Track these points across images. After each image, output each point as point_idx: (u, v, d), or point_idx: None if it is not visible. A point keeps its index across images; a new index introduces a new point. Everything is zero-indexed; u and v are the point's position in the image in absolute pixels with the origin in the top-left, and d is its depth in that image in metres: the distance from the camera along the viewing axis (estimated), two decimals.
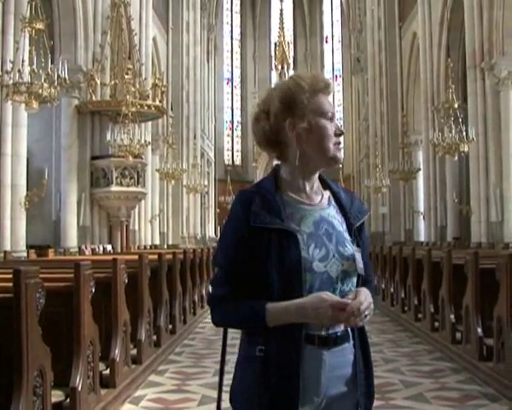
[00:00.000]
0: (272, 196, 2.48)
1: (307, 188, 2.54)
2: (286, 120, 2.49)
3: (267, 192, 2.49)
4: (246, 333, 2.50)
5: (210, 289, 2.54)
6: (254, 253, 2.42)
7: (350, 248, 2.47)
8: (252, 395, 2.40)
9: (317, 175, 2.57)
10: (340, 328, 2.44)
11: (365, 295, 2.35)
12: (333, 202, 2.58)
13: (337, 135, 2.50)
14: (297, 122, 2.48)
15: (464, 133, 19.70)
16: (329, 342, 2.42)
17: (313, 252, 2.41)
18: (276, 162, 2.66)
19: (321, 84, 2.53)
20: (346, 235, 2.50)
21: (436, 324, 10.48)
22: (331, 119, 2.51)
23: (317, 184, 2.57)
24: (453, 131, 19.90)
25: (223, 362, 2.67)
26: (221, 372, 2.67)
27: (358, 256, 2.46)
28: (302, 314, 2.32)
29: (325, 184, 2.62)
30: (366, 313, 2.32)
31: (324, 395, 2.42)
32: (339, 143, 2.51)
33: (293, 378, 2.35)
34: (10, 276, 4.76)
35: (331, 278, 2.41)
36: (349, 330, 2.47)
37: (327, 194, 2.59)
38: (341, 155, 2.53)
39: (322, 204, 2.54)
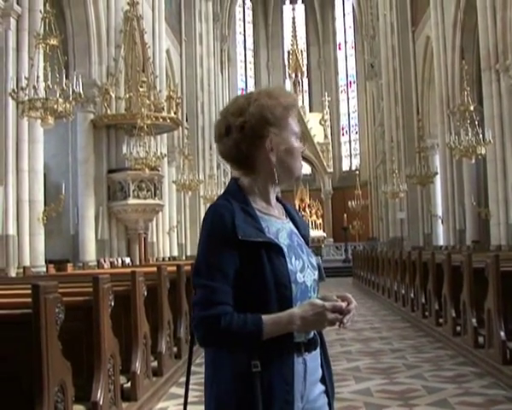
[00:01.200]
0: (251, 208, 2.46)
1: (272, 202, 2.56)
2: (263, 134, 2.45)
3: (245, 205, 2.45)
4: (228, 351, 2.39)
5: (195, 310, 2.37)
6: (244, 267, 2.36)
7: (314, 258, 2.55)
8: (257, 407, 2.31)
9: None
10: (312, 333, 2.48)
11: (351, 297, 2.41)
12: (287, 215, 2.62)
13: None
14: (274, 138, 2.46)
15: (481, 136, 19.63)
16: (310, 346, 2.47)
17: (295, 263, 2.44)
18: (234, 174, 2.67)
19: (290, 101, 2.51)
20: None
21: (458, 328, 10.39)
22: (300, 138, 2.54)
23: None
24: (469, 134, 19.82)
25: (187, 383, 2.78)
26: (186, 389, 2.75)
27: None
28: (295, 323, 2.31)
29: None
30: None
31: (306, 401, 2.44)
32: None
33: (290, 389, 2.36)
34: (29, 291, 4.75)
35: (307, 287, 2.45)
36: (316, 334, 2.51)
37: (281, 207, 2.63)
38: (301, 172, 2.60)
39: (283, 217, 2.59)
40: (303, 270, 2.44)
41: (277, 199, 2.62)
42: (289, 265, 2.40)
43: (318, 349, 2.52)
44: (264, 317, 2.31)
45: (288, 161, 2.49)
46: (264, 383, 2.31)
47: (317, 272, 2.51)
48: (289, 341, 2.37)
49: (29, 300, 4.72)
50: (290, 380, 2.35)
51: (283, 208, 2.62)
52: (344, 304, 2.34)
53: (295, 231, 2.55)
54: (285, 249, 2.42)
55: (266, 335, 2.30)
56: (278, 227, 2.48)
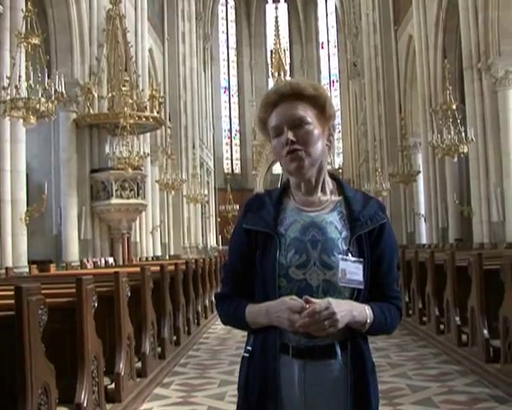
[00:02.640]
0: (271, 200, 2.49)
1: (307, 194, 2.49)
2: (268, 138, 2.53)
3: (269, 197, 2.51)
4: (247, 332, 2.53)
5: None
6: (246, 254, 2.46)
7: (337, 257, 2.35)
8: (242, 394, 2.45)
9: (312, 180, 2.47)
10: (324, 341, 2.34)
11: (328, 305, 2.22)
12: (340, 208, 2.47)
13: (285, 146, 2.41)
14: (272, 141, 2.50)
15: (463, 134, 19.72)
16: (305, 354, 2.37)
17: (291, 258, 2.36)
18: None
19: (272, 98, 2.47)
20: (341, 243, 2.39)
21: (441, 326, 10.44)
22: (279, 134, 2.44)
23: (321, 187, 2.49)
24: (452, 133, 19.91)
25: None
26: None
27: (347, 266, 2.33)
28: (269, 317, 2.33)
29: (340, 189, 2.54)
30: (326, 322, 2.21)
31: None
32: (288, 153, 2.41)
33: (270, 387, 2.36)
34: (12, 293, 4.71)
35: (310, 287, 2.35)
36: (336, 345, 2.37)
37: (336, 198, 2.50)
38: (294, 165, 2.41)
39: (323, 210, 2.46)
40: (303, 267, 2.35)
41: (342, 189, 2.52)
42: (281, 258, 2.36)
43: (337, 363, 2.37)
44: (249, 306, 2.41)
45: (278, 160, 2.48)
46: (250, 369, 2.42)
47: (331, 273, 2.34)
48: (272, 338, 2.37)
49: (12, 302, 4.68)
50: (270, 378, 2.36)
51: (344, 199, 2.49)
52: (308, 307, 2.22)
53: (322, 224, 2.41)
54: (285, 241, 2.39)
55: (251, 323, 2.41)
56: (295, 219, 2.44)
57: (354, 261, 2.34)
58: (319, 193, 2.49)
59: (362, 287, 2.35)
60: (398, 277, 2.56)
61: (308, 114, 2.42)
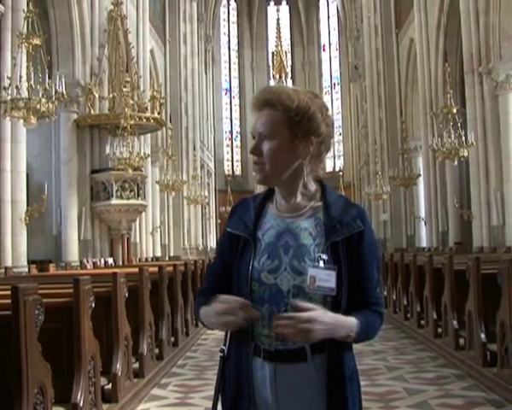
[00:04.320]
0: (254, 204, 2.52)
1: (285, 199, 2.49)
2: None
3: (253, 201, 2.54)
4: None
5: None
6: (226, 256, 2.52)
7: (308, 264, 2.33)
8: (218, 391, 2.49)
9: (285, 187, 2.47)
10: (295, 345, 2.34)
11: (310, 319, 2.20)
12: (318, 214, 2.45)
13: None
14: None
15: (463, 138, 19.73)
16: (275, 357, 2.37)
17: (264, 262, 2.38)
18: None
19: (253, 102, 2.47)
20: (313, 250, 2.37)
21: (439, 330, 10.44)
22: (254, 138, 2.45)
23: (299, 193, 2.48)
24: (452, 136, 19.92)
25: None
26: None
27: (317, 273, 2.30)
28: (213, 321, 2.41)
29: (322, 194, 2.51)
30: (299, 336, 2.22)
31: None
32: (255, 162, 2.44)
33: (244, 387, 2.39)
34: (10, 292, 4.73)
35: (281, 292, 2.34)
36: (307, 348, 2.35)
37: (316, 204, 2.48)
38: (256, 177, 2.44)
39: (300, 216, 2.46)
40: (275, 272, 2.35)
41: (324, 195, 2.50)
42: (255, 262, 2.38)
43: (307, 367, 2.36)
44: (204, 307, 2.48)
45: None
46: (226, 369, 2.47)
47: (301, 278, 2.32)
48: (246, 340, 2.40)
49: (9, 301, 4.70)
50: (244, 377, 2.39)
51: (324, 205, 2.47)
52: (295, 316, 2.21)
53: (296, 230, 2.41)
54: (261, 246, 2.41)
55: (207, 324, 2.49)
56: (272, 224, 2.45)
57: (326, 268, 2.31)
58: (298, 198, 2.48)
59: (333, 294, 2.32)
60: (380, 283, 2.57)
61: (277, 128, 2.39)
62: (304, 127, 2.40)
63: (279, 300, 2.33)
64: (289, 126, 2.39)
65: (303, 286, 2.32)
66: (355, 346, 2.51)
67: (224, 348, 2.48)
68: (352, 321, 2.34)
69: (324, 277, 2.30)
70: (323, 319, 2.24)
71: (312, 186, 2.52)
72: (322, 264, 2.32)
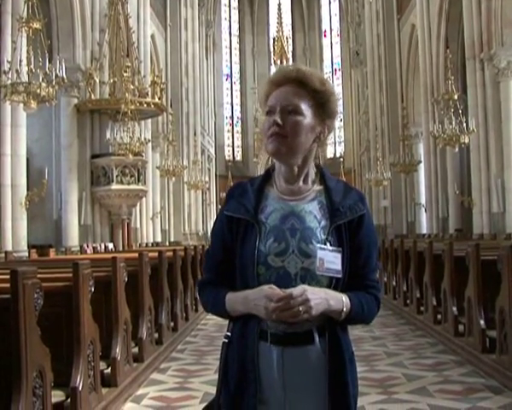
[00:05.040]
0: (252, 187, 2.51)
1: (288, 183, 2.50)
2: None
3: (251, 184, 2.53)
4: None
5: None
6: (227, 241, 2.49)
7: (315, 246, 2.36)
8: (222, 379, 2.47)
9: (294, 168, 2.48)
10: (302, 327, 2.36)
11: (304, 291, 2.25)
12: (320, 198, 2.48)
13: (272, 126, 2.42)
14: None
15: (464, 124, 19.73)
16: (284, 340, 2.38)
17: (270, 245, 2.38)
18: None
19: (277, 77, 2.49)
20: (319, 232, 2.40)
21: (439, 316, 10.44)
22: (269, 112, 2.45)
23: (303, 177, 2.50)
24: (453, 123, 19.91)
25: None
26: None
27: (325, 255, 2.34)
28: (246, 305, 2.35)
29: (322, 179, 2.54)
30: (300, 308, 2.23)
31: (285, 400, 2.39)
32: (271, 134, 2.42)
33: (250, 372, 2.38)
34: (9, 277, 4.73)
35: (288, 275, 2.36)
36: (314, 331, 2.39)
37: (317, 188, 2.51)
38: (272, 146, 2.42)
39: (303, 199, 2.48)
40: (282, 254, 2.36)
41: (324, 179, 2.53)
42: (261, 245, 2.38)
43: (315, 350, 2.38)
44: (229, 293, 2.43)
45: (264, 138, 2.49)
46: (229, 354, 2.45)
47: (309, 261, 2.35)
48: (252, 325, 2.39)
49: (8, 285, 4.69)
50: (249, 362, 2.38)
51: (325, 189, 2.50)
52: (283, 293, 2.25)
53: (301, 213, 2.43)
54: (265, 229, 2.41)
55: (230, 311, 2.44)
56: (276, 207, 2.45)
57: (332, 250, 2.36)
58: (301, 182, 2.50)
59: (340, 276, 2.37)
60: (378, 267, 2.58)
61: (304, 106, 2.42)
62: (326, 111, 2.47)
63: (287, 283, 2.33)
64: (315, 107, 2.44)
65: (311, 269, 2.35)
66: (355, 332, 2.54)
67: (228, 334, 2.47)
68: (340, 295, 2.37)
69: (331, 259, 2.34)
70: (314, 290, 2.29)
71: (313, 170, 2.54)
72: (329, 246, 2.36)
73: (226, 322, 2.55)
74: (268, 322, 2.36)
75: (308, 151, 2.46)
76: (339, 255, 2.36)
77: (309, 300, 2.24)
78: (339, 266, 2.36)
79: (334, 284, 2.37)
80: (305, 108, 2.42)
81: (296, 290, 2.25)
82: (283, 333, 2.37)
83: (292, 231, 2.40)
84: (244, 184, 2.56)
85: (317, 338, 2.39)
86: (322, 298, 2.29)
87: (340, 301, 2.35)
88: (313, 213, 2.44)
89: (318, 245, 2.35)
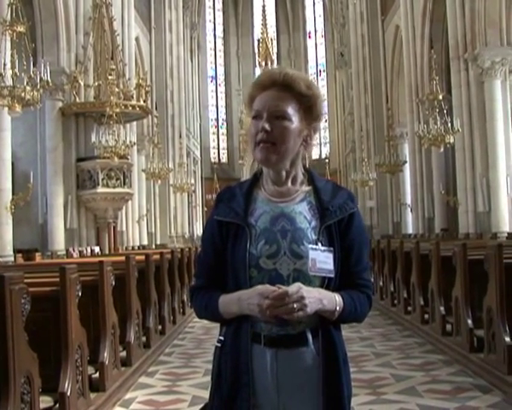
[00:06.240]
0: (241, 191, 2.50)
1: (276, 185, 2.49)
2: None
3: (239, 188, 2.52)
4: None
5: None
6: (218, 245, 2.47)
7: (306, 247, 2.35)
8: (215, 383, 2.46)
9: (282, 172, 2.47)
10: (295, 329, 2.36)
11: (300, 289, 2.25)
12: (309, 198, 2.48)
13: (260, 132, 2.40)
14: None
15: (449, 124, 19.80)
16: (277, 342, 2.38)
17: (262, 248, 2.37)
18: None
19: (263, 80, 2.47)
20: (310, 233, 2.40)
21: (426, 316, 10.48)
22: (256, 117, 2.43)
23: (292, 179, 2.50)
24: (438, 123, 19.99)
25: None
26: None
27: (316, 255, 2.34)
28: (240, 305, 2.34)
29: (310, 179, 2.53)
30: (294, 305, 2.22)
31: (279, 403, 2.38)
32: (259, 142, 2.40)
33: (243, 375, 2.36)
34: None
35: (281, 276, 2.35)
36: (307, 333, 2.39)
37: (306, 189, 2.51)
38: (261, 156, 2.41)
39: (292, 200, 2.47)
40: (274, 256, 2.36)
41: (312, 180, 2.52)
42: (252, 248, 2.37)
43: (309, 351, 2.38)
44: (223, 296, 2.42)
45: (250, 142, 2.46)
46: (222, 359, 2.43)
47: (301, 262, 2.34)
48: (245, 328, 2.38)
49: None
50: (243, 365, 2.37)
51: (314, 190, 2.50)
52: (277, 291, 2.24)
53: (291, 215, 2.42)
54: (256, 232, 2.40)
55: (223, 313, 2.42)
56: (265, 210, 2.44)
57: (324, 250, 2.36)
58: (289, 184, 2.49)
59: (332, 275, 2.37)
60: (369, 266, 2.59)
61: (291, 110, 2.41)
62: (312, 114, 2.46)
63: (279, 284, 2.30)
64: (302, 111, 2.43)
65: (303, 269, 2.35)
66: (342, 333, 2.52)
67: (221, 338, 2.46)
68: (333, 294, 2.38)
69: (323, 259, 2.34)
70: (308, 289, 2.29)
71: (301, 171, 2.54)
72: (320, 246, 2.36)
73: (214, 325, 2.55)
74: (261, 324, 2.36)
75: (296, 154, 2.46)
76: (330, 255, 2.37)
77: (304, 297, 2.24)
78: (331, 266, 2.36)
79: (326, 283, 2.37)
80: (292, 112, 2.40)
81: (292, 288, 2.25)
82: (277, 335, 2.36)
83: (283, 232, 2.39)
84: (233, 187, 2.55)
85: (310, 340, 2.39)
86: (316, 297, 2.29)
87: (333, 300, 2.36)
88: (303, 213, 2.44)
89: (310, 246, 2.35)
